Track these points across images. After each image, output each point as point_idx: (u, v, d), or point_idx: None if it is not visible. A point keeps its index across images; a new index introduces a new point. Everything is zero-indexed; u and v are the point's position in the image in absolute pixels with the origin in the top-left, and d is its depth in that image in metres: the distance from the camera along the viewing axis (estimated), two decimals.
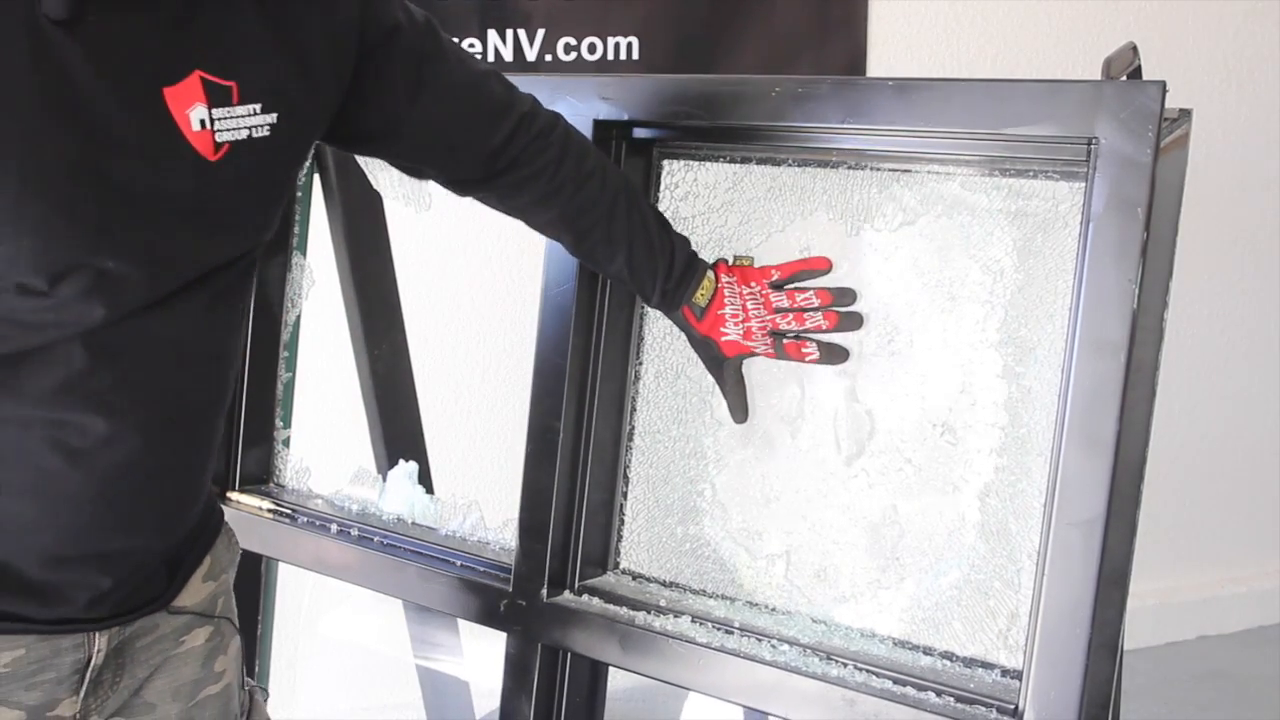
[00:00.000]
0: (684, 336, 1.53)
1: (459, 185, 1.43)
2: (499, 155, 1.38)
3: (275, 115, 1.14)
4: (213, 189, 1.12)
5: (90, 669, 1.19)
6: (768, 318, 1.48)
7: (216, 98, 1.10)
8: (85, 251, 1.05)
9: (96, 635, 1.20)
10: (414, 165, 1.41)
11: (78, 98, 1.02)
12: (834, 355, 1.47)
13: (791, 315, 1.48)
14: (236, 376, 1.30)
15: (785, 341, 1.48)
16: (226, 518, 1.39)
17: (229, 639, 1.35)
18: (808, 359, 1.47)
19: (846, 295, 1.46)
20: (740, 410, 1.52)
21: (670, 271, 1.46)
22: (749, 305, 1.49)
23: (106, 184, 1.05)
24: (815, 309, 1.47)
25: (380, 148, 1.39)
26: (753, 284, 1.49)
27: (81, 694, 1.19)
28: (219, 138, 1.10)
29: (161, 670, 1.27)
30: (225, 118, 1.11)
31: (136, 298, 1.10)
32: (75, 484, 1.13)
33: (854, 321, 1.46)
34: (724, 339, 1.49)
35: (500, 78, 1.40)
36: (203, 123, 1.09)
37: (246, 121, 1.12)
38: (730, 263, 1.51)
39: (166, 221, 1.10)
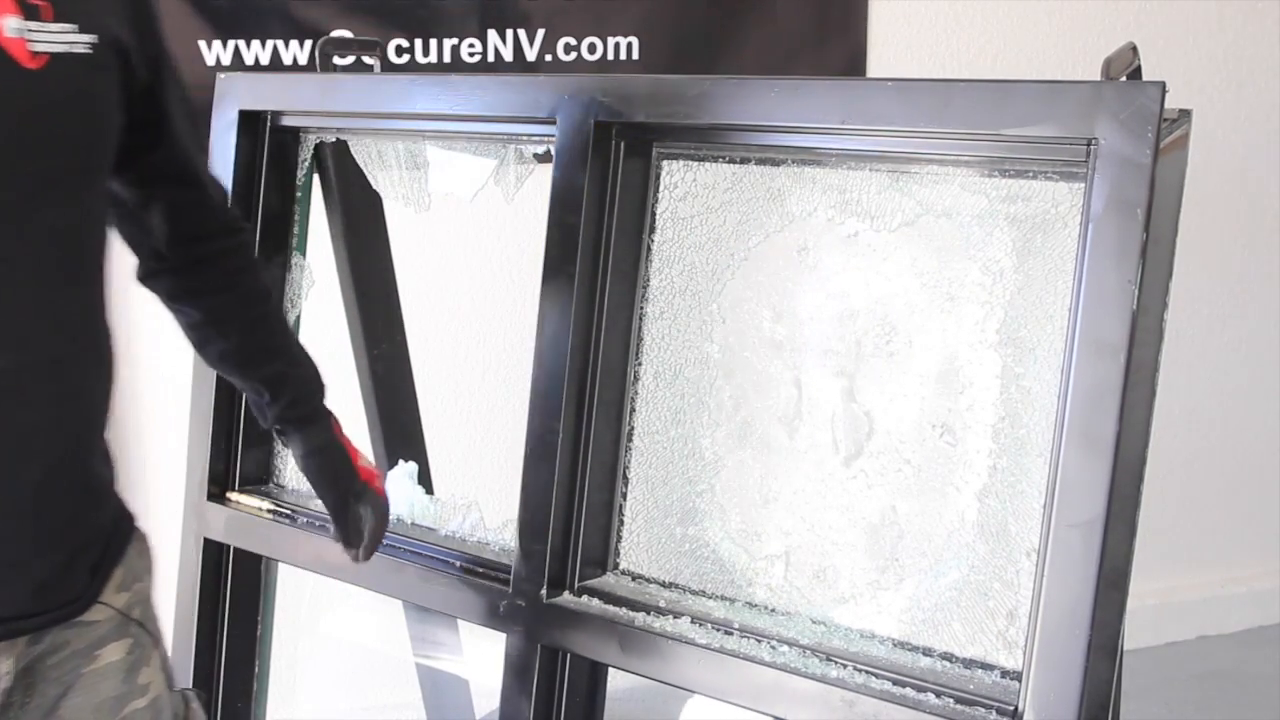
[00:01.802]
0: (677, 339, 1.52)
1: (150, 255, 1.43)
2: (191, 245, 1.41)
3: (95, 36, 1.16)
4: (36, 99, 1.12)
5: None
6: None
7: (30, 13, 1.12)
8: None
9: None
10: (137, 205, 1.39)
11: None
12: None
13: None
14: (106, 377, 1.26)
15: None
16: (226, 518, 1.39)
17: (150, 650, 1.32)
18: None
19: None
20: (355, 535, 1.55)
21: (290, 400, 1.50)
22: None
23: None
24: None
25: (130, 163, 1.36)
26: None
27: None
28: (35, 48, 1.11)
29: (76, 688, 1.24)
30: (40, 31, 1.12)
31: None
32: None
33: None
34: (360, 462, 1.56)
35: (221, 187, 1.46)
36: (17, 31, 1.10)
37: (63, 38, 1.14)
38: None
39: None
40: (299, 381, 1.51)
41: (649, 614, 1.53)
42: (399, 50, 2.58)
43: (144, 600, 1.33)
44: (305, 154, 1.95)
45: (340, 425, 1.55)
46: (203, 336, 1.47)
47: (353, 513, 1.52)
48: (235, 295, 1.46)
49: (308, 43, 2.52)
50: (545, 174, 1.63)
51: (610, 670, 1.63)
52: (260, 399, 1.49)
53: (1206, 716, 2.94)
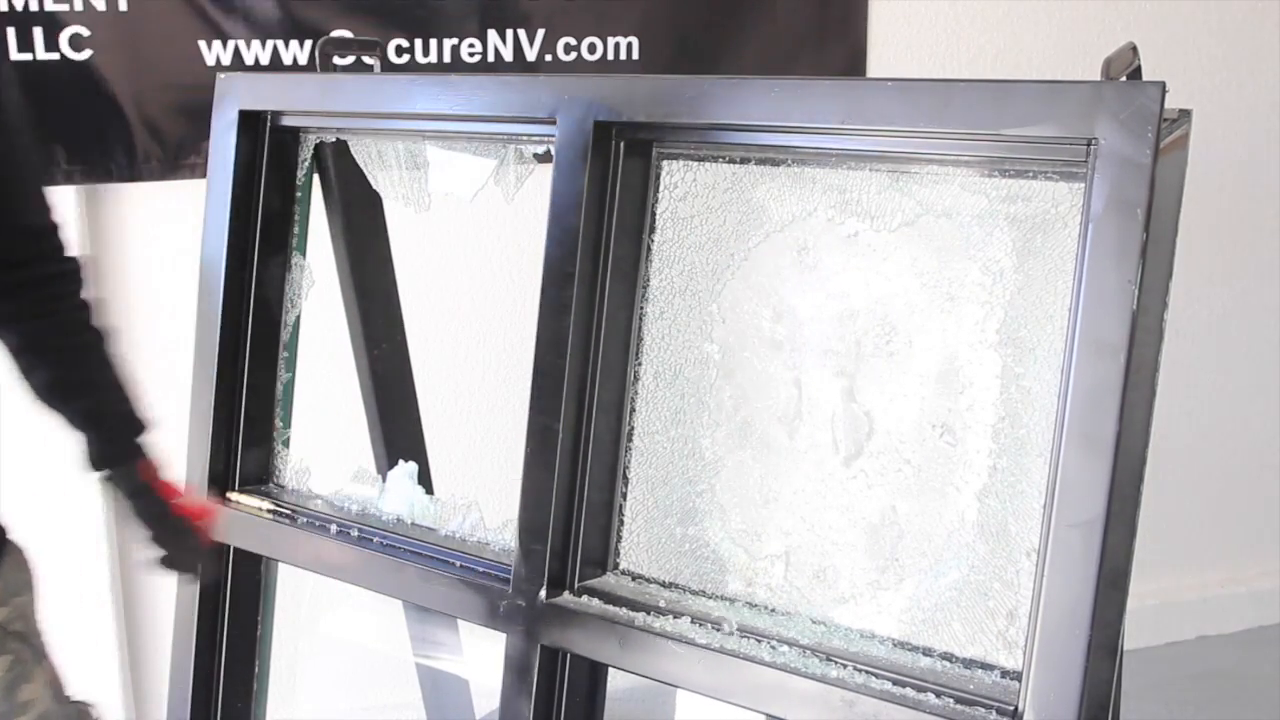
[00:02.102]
0: (677, 339, 1.52)
1: None
2: (4, 270, 1.39)
3: None
4: None
5: None
6: None
7: None
8: None
9: None
10: None
11: None
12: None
13: None
14: None
15: None
16: (226, 518, 1.38)
17: (32, 666, 1.30)
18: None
19: None
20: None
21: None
22: None
23: None
24: None
25: None
26: None
27: None
28: None
29: None
30: None
31: None
32: None
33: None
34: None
35: (48, 213, 1.43)
36: None
37: None
38: None
39: None
40: (120, 418, 1.49)
41: (649, 614, 1.53)
42: (399, 50, 2.58)
43: (24, 614, 1.31)
44: (305, 154, 1.95)
45: (156, 466, 1.55)
46: (25, 364, 1.44)
47: (169, 551, 1.57)
48: (52, 323, 1.43)
49: (308, 43, 2.52)
50: (545, 174, 1.63)
51: (610, 670, 1.63)
52: (84, 435, 1.47)
53: (1206, 716, 2.94)
